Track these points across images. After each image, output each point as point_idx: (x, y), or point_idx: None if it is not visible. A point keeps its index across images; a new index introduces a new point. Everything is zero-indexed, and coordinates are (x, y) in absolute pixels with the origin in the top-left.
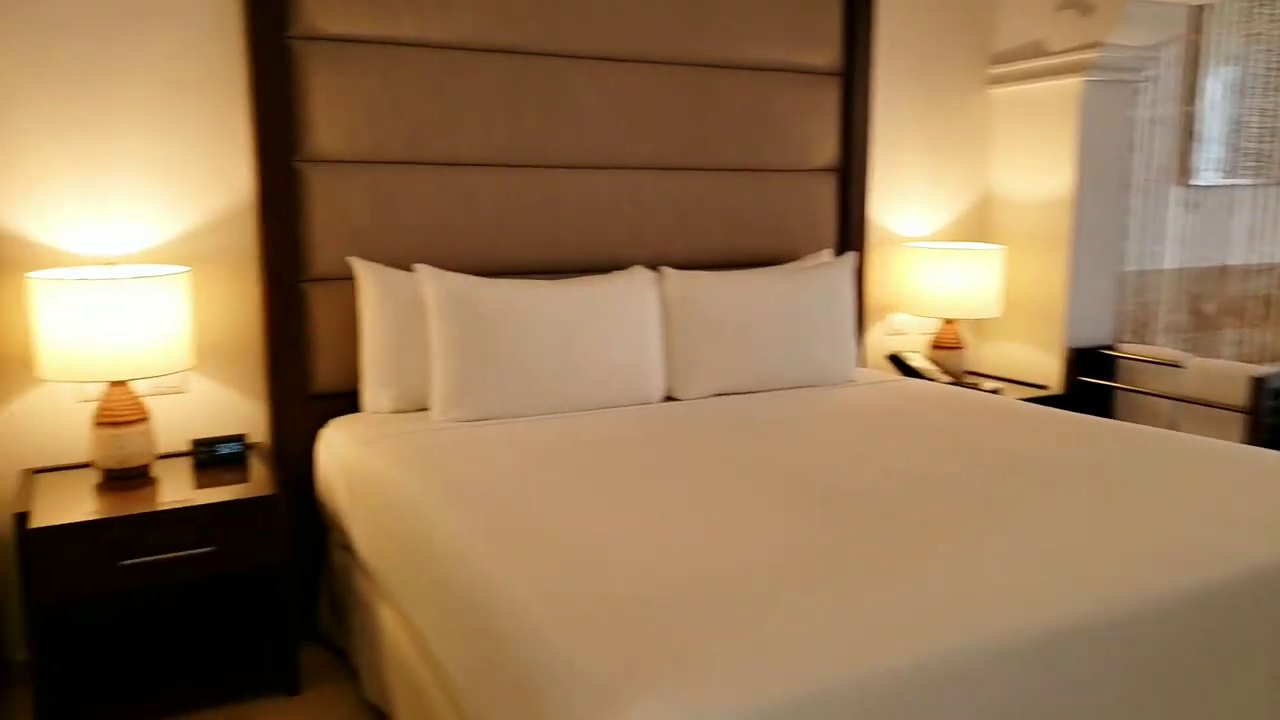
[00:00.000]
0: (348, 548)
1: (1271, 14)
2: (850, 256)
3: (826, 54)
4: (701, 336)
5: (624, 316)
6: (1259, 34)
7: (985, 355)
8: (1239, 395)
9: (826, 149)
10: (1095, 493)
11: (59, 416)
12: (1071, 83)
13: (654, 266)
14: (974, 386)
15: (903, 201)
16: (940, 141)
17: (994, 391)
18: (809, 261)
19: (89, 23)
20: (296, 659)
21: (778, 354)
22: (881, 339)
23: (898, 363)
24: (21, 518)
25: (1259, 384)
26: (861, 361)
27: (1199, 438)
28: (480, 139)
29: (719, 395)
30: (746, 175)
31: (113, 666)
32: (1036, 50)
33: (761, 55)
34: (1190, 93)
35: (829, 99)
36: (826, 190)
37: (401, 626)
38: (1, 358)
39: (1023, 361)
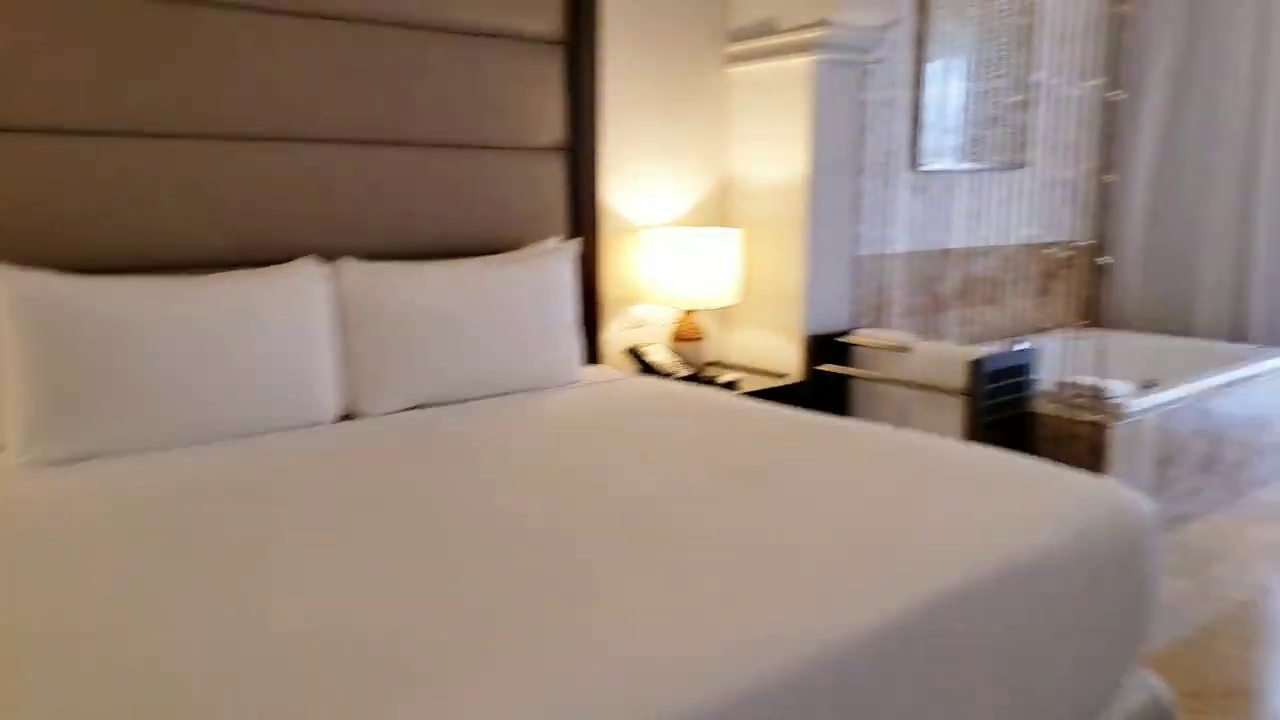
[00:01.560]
0: None
1: None
2: (571, 244)
3: (546, 20)
4: (390, 340)
5: (283, 319)
6: (973, 18)
7: (730, 344)
8: (959, 378)
9: (552, 126)
10: (798, 513)
11: None
12: (803, 62)
13: (335, 258)
14: (712, 379)
15: (641, 185)
16: (681, 122)
17: (730, 384)
18: (531, 251)
19: None
20: None
21: (486, 356)
22: (624, 333)
23: (636, 358)
24: None
25: (976, 366)
26: (601, 358)
27: (916, 435)
28: (104, 100)
29: (413, 408)
30: (461, 153)
31: None
32: (769, 28)
33: (472, 18)
34: (917, 77)
35: (552, 71)
36: (554, 172)
37: None
38: None
39: (765, 350)
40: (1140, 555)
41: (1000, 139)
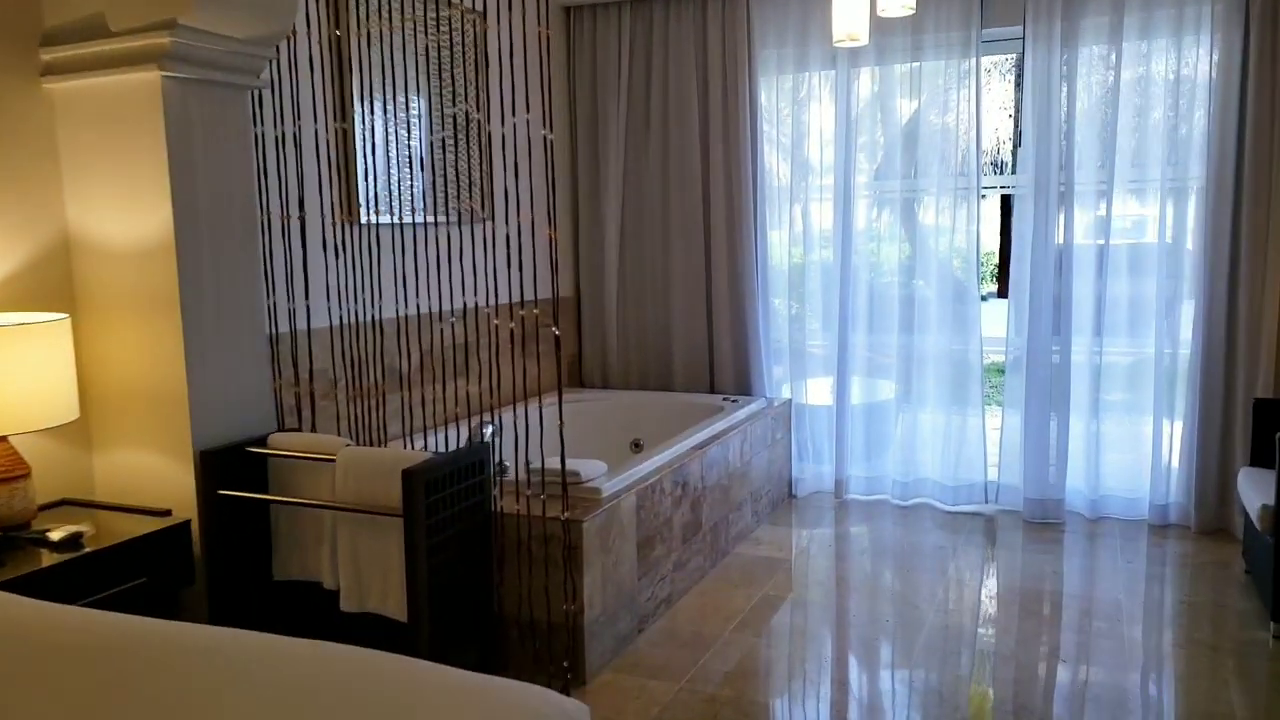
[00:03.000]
0: None
1: (424, 22)
2: None
3: None
4: None
5: None
6: (399, 45)
7: (90, 475)
8: (395, 493)
9: None
10: None
11: None
12: (147, 78)
13: None
14: (42, 535)
15: None
16: None
17: (72, 539)
18: None
19: None
20: None
21: None
22: None
23: None
24: None
25: (409, 479)
26: None
27: (308, 655)
28: None
29: None
30: None
31: None
32: (98, 28)
33: None
34: (342, 108)
35: None
36: None
37: None
38: None
39: (142, 477)
40: None
41: (453, 187)
